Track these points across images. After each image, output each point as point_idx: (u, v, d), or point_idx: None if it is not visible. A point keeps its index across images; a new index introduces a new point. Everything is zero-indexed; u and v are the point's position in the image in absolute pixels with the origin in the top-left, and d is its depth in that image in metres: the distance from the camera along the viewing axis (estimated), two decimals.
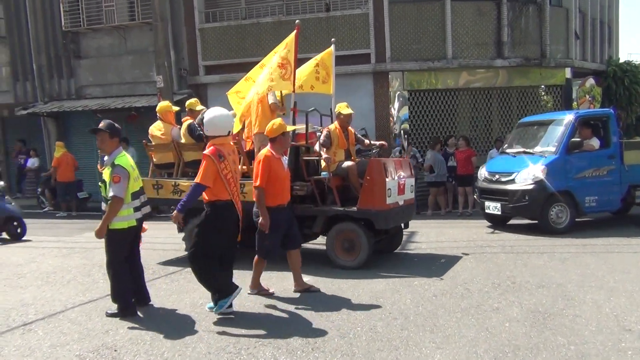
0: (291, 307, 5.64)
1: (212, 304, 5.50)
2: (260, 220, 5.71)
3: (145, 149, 8.53)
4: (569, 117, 9.98)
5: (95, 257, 8.30)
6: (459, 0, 14.36)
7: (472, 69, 14.66)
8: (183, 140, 8.12)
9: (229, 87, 9.07)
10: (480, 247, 8.50)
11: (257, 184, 5.70)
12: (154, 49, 14.21)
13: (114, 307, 5.49)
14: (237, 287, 5.41)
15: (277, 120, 6.06)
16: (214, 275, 5.36)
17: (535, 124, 10.90)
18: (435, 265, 7.44)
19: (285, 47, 7.68)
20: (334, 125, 7.69)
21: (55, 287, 6.82)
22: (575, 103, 16.02)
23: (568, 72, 15.88)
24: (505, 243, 8.79)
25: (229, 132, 5.45)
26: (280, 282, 6.59)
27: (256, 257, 6.01)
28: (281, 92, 8.07)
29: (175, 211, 5.31)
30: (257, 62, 15.32)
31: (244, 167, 7.54)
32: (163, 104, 8.64)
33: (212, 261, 5.34)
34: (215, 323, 5.20)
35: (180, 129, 8.22)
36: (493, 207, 9.97)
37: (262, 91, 7.48)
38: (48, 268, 7.93)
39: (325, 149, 7.41)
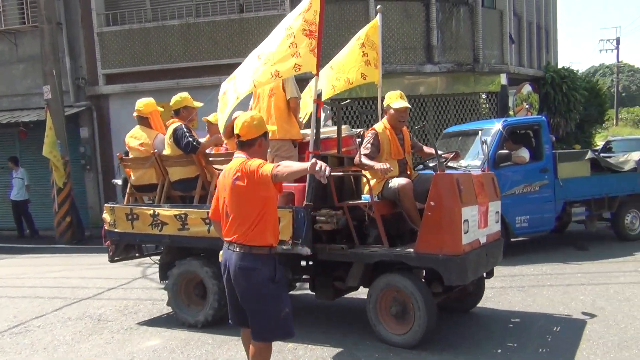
0: None
1: None
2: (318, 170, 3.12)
3: (120, 164, 6.26)
4: (496, 126, 8.78)
5: None
6: (383, 0, 13.13)
7: (400, 75, 13.45)
8: (167, 152, 5.78)
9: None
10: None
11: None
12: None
13: None
14: None
15: (251, 115, 3.59)
16: None
17: (460, 134, 9.66)
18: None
19: (309, 8, 4.84)
20: (382, 125, 5.35)
21: None
22: (512, 111, 15.03)
23: (503, 79, 14.84)
24: None
25: None
26: None
27: (257, 344, 3.44)
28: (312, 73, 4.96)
29: None
30: (163, 70, 14.08)
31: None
32: (143, 102, 6.04)
33: None
34: None
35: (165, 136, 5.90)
36: None
37: (283, 72, 4.70)
38: None
39: (369, 161, 5.06)
